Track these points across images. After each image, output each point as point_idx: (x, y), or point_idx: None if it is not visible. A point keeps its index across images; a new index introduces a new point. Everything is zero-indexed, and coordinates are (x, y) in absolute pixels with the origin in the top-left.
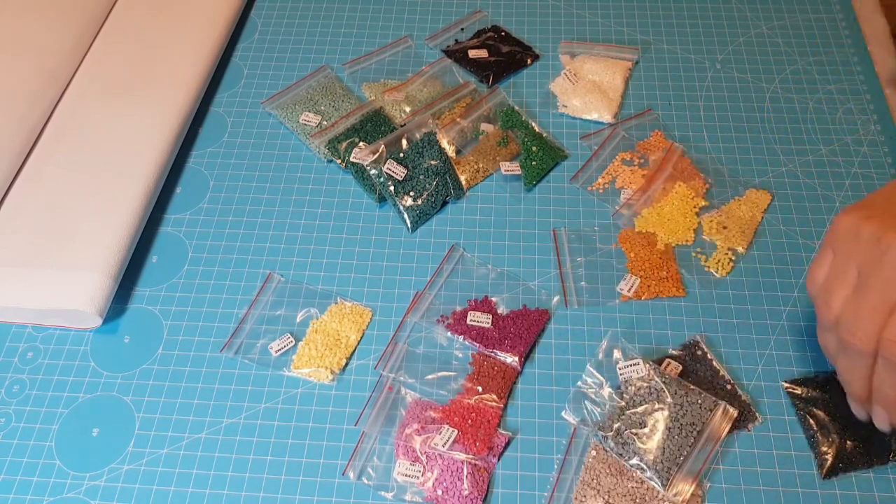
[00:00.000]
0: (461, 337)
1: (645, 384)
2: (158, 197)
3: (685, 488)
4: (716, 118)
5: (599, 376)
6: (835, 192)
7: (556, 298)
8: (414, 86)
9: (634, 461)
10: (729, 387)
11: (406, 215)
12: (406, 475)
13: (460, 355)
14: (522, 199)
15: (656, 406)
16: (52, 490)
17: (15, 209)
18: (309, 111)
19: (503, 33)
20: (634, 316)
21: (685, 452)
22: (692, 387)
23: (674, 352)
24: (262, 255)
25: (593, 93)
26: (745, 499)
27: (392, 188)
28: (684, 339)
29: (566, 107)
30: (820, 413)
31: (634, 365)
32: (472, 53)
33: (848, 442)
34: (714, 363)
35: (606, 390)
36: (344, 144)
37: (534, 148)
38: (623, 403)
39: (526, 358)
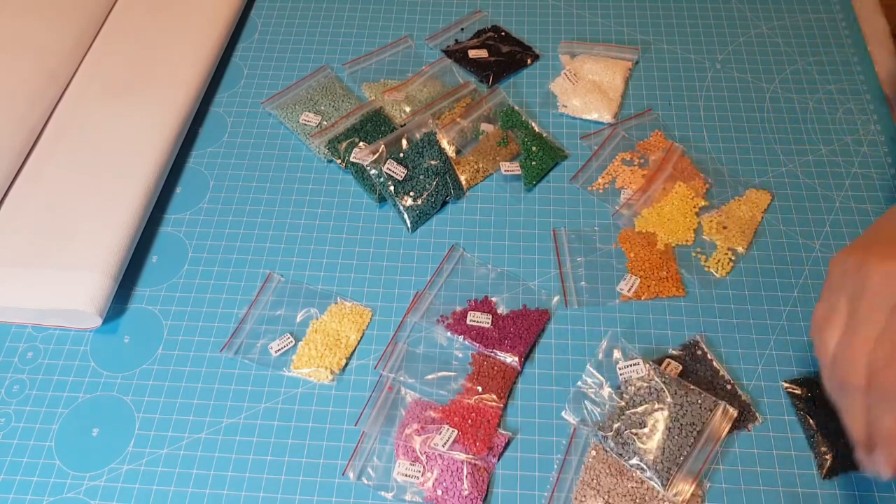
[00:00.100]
0: (461, 337)
1: (645, 384)
2: (158, 197)
3: (685, 488)
4: (716, 118)
5: (599, 376)
6: (835, 192)
7: (556, 298)
8: (414, 86)
9: (634, 461)
10: (729, 387)
11: (406, 215)
12: (406, 475)
13: (460, 355)
14: (522, 199)
15: (656, 406)
16: (52, 490)
17: (15, 209)
18: (309, 111)
19: (503, 33)
20: (634, 316)
21: (685, 452)
22: (692, 387)
23: (674, 352)
24: (262, 255)
25: (593, 93)
26: (745, 499)
27: (392, 188)
28: (684, 339)
29: (566, 107)
30: (820, 413)
31: (634, 365)
32: (472, 53)
33: (848, 442)
34: (714, 363)
35: (606, 390)
36: (344, 144)
37: (534, 148)
38: (623, 403)
39: (526, 358)
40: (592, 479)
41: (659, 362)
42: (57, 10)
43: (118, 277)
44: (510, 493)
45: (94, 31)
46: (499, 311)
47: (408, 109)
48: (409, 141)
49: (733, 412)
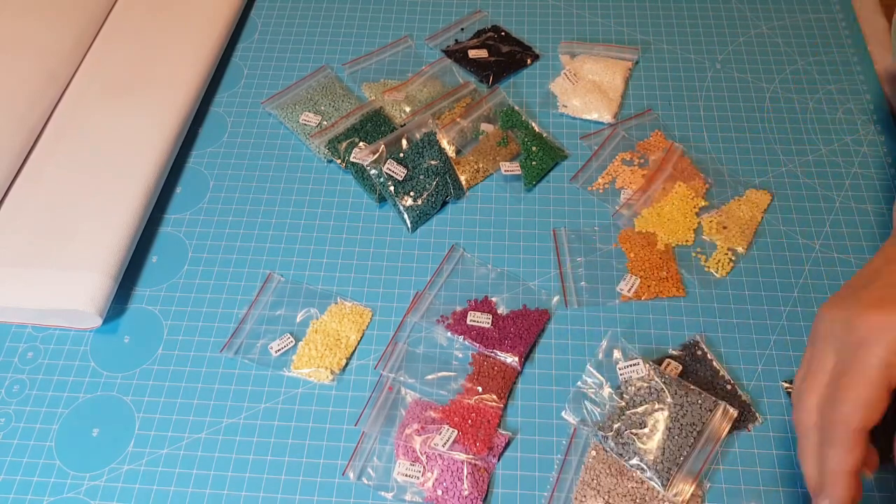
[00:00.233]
0: (461, 337)
1: (645, 384)
2: (158, 197)
3: (685, 488)
4: (716, 118)
5: (599, 376)
6: (835, 192)
7: (556, 298)
8: (414, 86)
9: (634, 461)
10: (729, 387)
11: (406, 215)
12: (406, 475)
13: (460, 355)
14: (522, 199)
15: (656, 406)
16: (52, 490)
17: (15, 209)
18: (309, 111)
19: (503, 33)
20: (634, 316)
21: (685, 452)
22: (692, 387)
23: (674, 352)
24: (262, 255)
25: (593, 93)
26: (745, 499)
27: (392, 188)
28: (684, 339)
29: (566, 107)
30: None
31: (634, 365)
32: (472, 53)
33: None
34: (714, 363)
35: (606, 390)
36: (344, 144)
37: (534, 148)
38: (623, 403)
39: (526, 358)
40: (592, 480)
41: (659, 362)
42: (57, 10)
43: (118, 277)
44: (510, 493)
45: (94, 31)
46: (499, 311)
47: (408, 109)
48: (409, 141)
49: (733, 412)
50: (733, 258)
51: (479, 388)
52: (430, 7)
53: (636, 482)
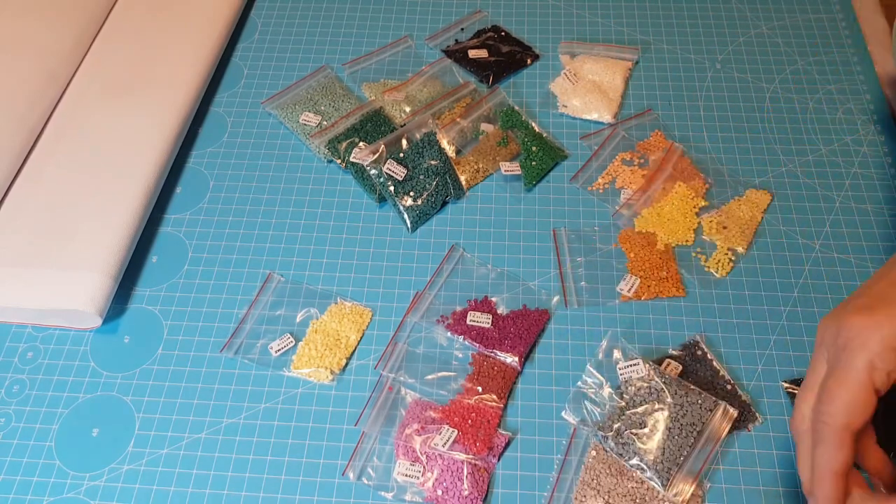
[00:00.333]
0: (461, 337)
1: (645, 384)
2: (158, 197)
3: (685, 488)
4: (716, 118)
5: (599, 376)
6: (835, 192)
7: (556, 298)
8: (414, 86)
9: (634, 461)
10: (729, 387)
11: (406, 215)
12: (406, 475)
13: (460, 355)
14: (522, 199)
15: (656, 406)
16: (52, 490)
17: (15, 209)
18: (309, 111)
19: (503, 33)
20: (634, 316)
21: (685, 452)
22: (692, 387)
23: (674, 352)
24: (262, 255)
25: (593, 93)
26: (745, 499)
27: (392, 188)
28: (684, 339)
29: (566, 107)
30: None
31: (634, 365)
32: (472, 53)
33: None
34: (714, 363)
35: (606, 390)
36: (344, 144)
37: (534, 148)
38: (623, 403)
39: (526, 358)
40: (592, 480)
41: (659, 362)
42: (57, 10)
43: (118, 277)
44: (510, 493)
45: (94, 31)
46: (499, 311)
47: (408, 109)
48: (409, 141)
49: (733, 412)
50: (733, 258)
51: (479, 388)
52: (430, 7)
53: (636, 482)
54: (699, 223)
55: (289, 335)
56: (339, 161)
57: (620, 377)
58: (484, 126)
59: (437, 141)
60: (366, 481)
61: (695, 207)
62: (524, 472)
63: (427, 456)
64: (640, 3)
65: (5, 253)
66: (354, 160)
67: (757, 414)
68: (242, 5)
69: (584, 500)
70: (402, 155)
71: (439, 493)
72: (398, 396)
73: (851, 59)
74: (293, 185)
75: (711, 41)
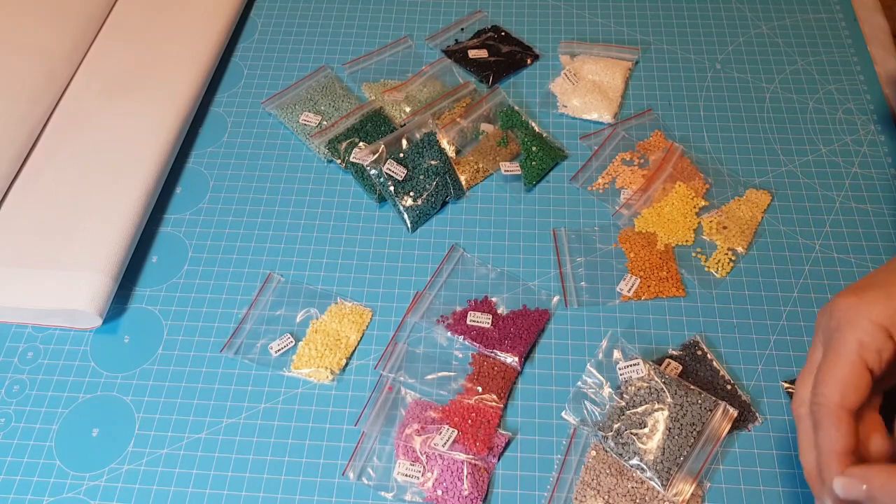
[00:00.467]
0: (461, 337)
1: (645, 384)
2: (158, 197)
3: (685, 488)
4: (716, 118)
5: (599, 376)
6: (835, 192)
7: (556, 298)
8: (414, 86)
9: (634, 461)
10: (729, 387)
11: (406, 215)
12: (406, 475)
13: (460, 355)
14: (522, 199)
15: (656, 406)
16: (52, 490)
17: (15, 209)
18: (309, 111)
19: (503, 33)
20: (634, 316)
21: (685, 452)
22: (692, 387)
23: (674, 352)
24: (262, 255)
25: (593, 93)
26: (745, 499)
27: (392, 188)
28: (684, 339)
29: (566, 107)
30: None
31: (634, 365)
32: (472, 53)
33: None
34: (714, 363)
35: (606, 390)
36: (344, 144)
37: (534, 148)
38: (623, 403)
39: (526, 358)
40: (592, 479)
41: (659, 362)
42: (57, 10)
43: (118, 277)
44: (510, 493)
45: (94, 31)
46: (499, 311)
47: (408, 109)
48: (409, 141)
49: (733, 412)
50: (733, 258)
51: (479, 388)
52: (430, 7)
53: (636, 482)
54: (699, 223)
55: (289, 335)
56: (339, 161)
57: (620, 377)
58: (484, 126)
59: (437, 141)
60: (366, 481)
61: (695, 207)
62: (524, 472)
63: (427, 456)
64: (640, 3)
65: (5, 253)
66: (354, 160)
67: (757, 414)
68: (242, 5)
69: (584, 500)
70: (402, 155)
71: (439, 493)
72: (398, 396)
73: (851, 59)
74: (293, 185)
75: (711, 41)
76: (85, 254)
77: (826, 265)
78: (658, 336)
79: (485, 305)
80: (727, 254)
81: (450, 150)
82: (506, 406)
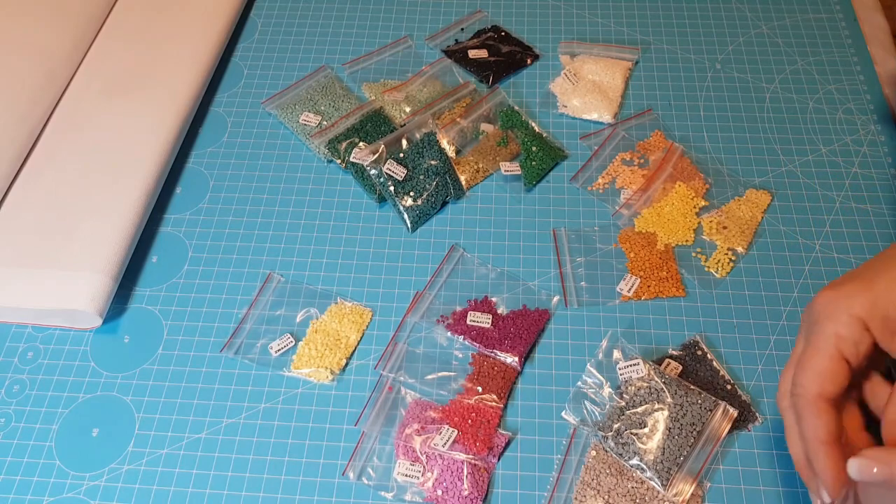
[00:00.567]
0: (461, 337)
1: (645, 384)
2: (158, 197)
3: (685, 488)
4: (716, 118)
5: (599, 376)
6: (835, 192)
7: (556, 298)
8: (414, 86)
9: (634, 461)
10: (729, 387)
11: (406, 215)
12: (406, 475)
13: (460, 355)
14: (522, 199)
15: (656, 406)
16: (52, 490)
17: (15, 209)
18: (309, 111)
19: (503, 33)
20: (634, 316)
21: (685, 452)
22: (692, 387)
23: (674, 352)
24: (262, 255)
25: (593, 93)
26: (745, 499)
27: (392, 188)
28: (684, 339)
29: (566, 107)
30: None
31: (634, 365)
32: (472, 53)
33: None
34: (714, 363)
35: (606, 390)
36: (344, 144)
37: (534, 148)
38: (623, 403)
39: (526, 358)
40: (592, 479)
41: (659, 362)
42: (57, 10)
43: (118, 277)
44: (510, 493)
45: (94, 31)
46: (499, 311)
47: (408, 109)
48: (409, 141)
49: (733, 412)
50: (733, 258)
51: (479, 388)
52: (430, 7)
53: (636, 482)
54: (699, 223)
55: (289, 335)
56: (339, 161)
57: (620, 377)
58: (484, 126)
59: (437, 141)
60: (366, 481)
61: (695, 207)
62: (524, 472)
63: (427, 456)
64: (640, 3)
65: (5, 253)
66: (354, 160)
67: (757, 414)
68: (242, 5)
69: (584, 500)
70: (402, 155)
71: (439, 493)
72: (398, 396)
73: (851, 59)
74: (293, 185)
75: (711, 41)
76: (85, 254)
77: (826, 265)
78: (658, 336)
79: (485, 305)
80: (727, 254)
81: (450, 150)
82: (506, 406)
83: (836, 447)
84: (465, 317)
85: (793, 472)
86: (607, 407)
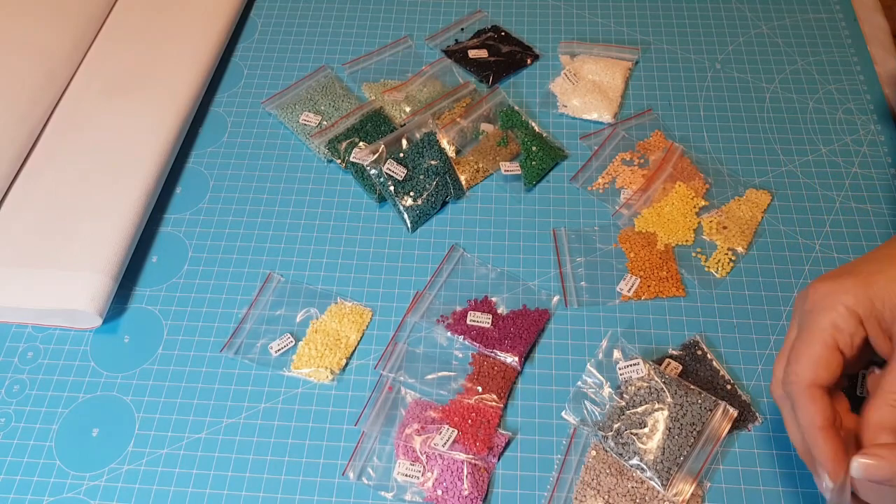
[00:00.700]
0: (461, 337)
1: (645, 384)
2: (158, 197)
3: (685, 488)
4: (716, 118)
5: (599, 376)
6: (835, 192)
7: (556, 298)
8: (414, 86)
9: (634, 461)
10: (729, 387)
11: (406, 215)
12: (406, 475)
13: (460, 355)
14: (522, 199)
15: (656, 406)
16: (52, 490)
17: (15, 209)
18: (309, 111)
19: (503, 33)
20: (634, 316)
21: (685, 452)
22: (692, 387)
23: (674, 352)
24: (262, 255)
25: (593, 93)
26: (745, 499)
27: (392, 188)
28: (684, 339)
29: (566, 107)
30: None
31: (634, 365)
32: (472, 53)
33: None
34: (714, 363)
35: (606, 390)
36: (344, 144)
37: (534, 148)
38: (623, 403)
39: (526, 358)
40: (592, 479)
41: (659, 362)
42: (57, 10)
43: (118, 277)
44: (510, 493)
45: (94, 31)
46: (499, 311)
47: (408, 109)
48: (409, 141)
49: (733, 412)
50: (733, 258)
51: (479, 388)
52: (430, 7)
53: (636, 482)
54: (699, 223)
55: (289, 335)
56: (339, 161)
57: (620, 377)
58: (484, 126)
59: (437, 141)
60: (366, 481)
61: (695, 207)
62: (524, 472)
63: (427, 456)
64: (640, 3)
65: (5, 253)
66: (354, 160)
67: (757, 414)
68: (242, 5)
69: (584, 499)
70: (402, 155)
71: (439, 492)
72: (398, 396)
73: (851, 59)
74: (293, 185)
75: (711, 41)
76: (85, 254)
77: (826, 265)
78: (658, 336)
79: (485, 305)
80: (727, 254)
81: (450, 150)
82: (506, 406)
83: (833, 432)
84: (465, 317)
85: (793, 472)
86: (607, 407)
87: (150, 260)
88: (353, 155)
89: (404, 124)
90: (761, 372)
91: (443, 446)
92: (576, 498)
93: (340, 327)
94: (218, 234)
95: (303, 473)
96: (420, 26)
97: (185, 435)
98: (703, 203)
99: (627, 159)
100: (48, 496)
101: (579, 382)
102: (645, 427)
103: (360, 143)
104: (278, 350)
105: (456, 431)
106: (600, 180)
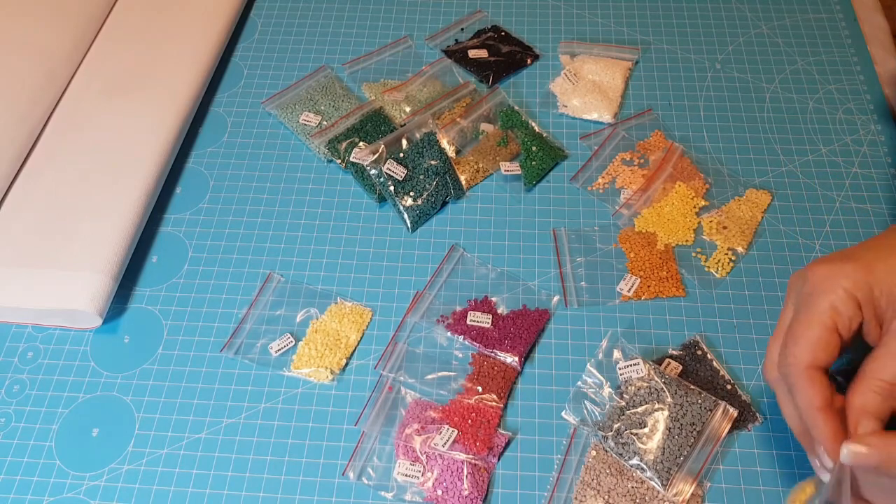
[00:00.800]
0: (461, 337)
1: (645, 384)
2: (158, 197)
3: (685, 488)
4: (716, 118)
5: (599, 376)
6: (835, 192)
7: (556, 298)
8: (414, 86)
9: (634, 461)
10: (729, 387)
11: (406, 215)
12: (406, 475)
13: (460, 355)
14: (522, 199)
15: (656, 406)
16: (52, 490)
17: (15, 209)
18: (309, 111)
19: (503, 33)
20: (634, 316)
21: (685, 452)
22: (692, 387)
23: (674, 352)
24: (262, 255)
25: (593, 93)
26: (745, 499)
27: (392, 188)
28: (684, 339)
29: (566, 107)
30: None
31: (634, 365)
32: (472, 53)
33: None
34: (714, 363)
35: (606, 390)
36: (344, 144)
37: (534, 148)
38: (623, 403)
39: (526, 358)
40: (592, 479)
41: (659, 362)
42: (57, 10)
43: (118, 277)
44: (510, 493)
45: (94, 31)
46: (499, 311)
47: (408, 109)
48: (409, 141)
49: (733, 412)
50: (733, 258)
51: (479, 388)
52: (430, 7)
53: (636, 482)
54: (699, 223)
55: (289, 335)
56: (339, 161)
57: (620, 377)
58: (484, 126)
59: (437, 141)
60: (366, 481)
61: (695, 207)
62: (524, 472)
63: (427, 456)
64: (640, 3)
65: (5, 253)
66: (354, 160)
67: (757, 414)
68: (242, 5)
69: (584, 499)
70: (402, 155)
71: (439, 492)
72: (398, 396)
73: (851, 59)
74: (293, 185)
75: (711, 41)
76: (85, 254)
77: None
78: (658, 336)
79: (485, 305)
80: (727, 254)
81: (450, 150)
82: (506, 406)
83: (832, 412)
84: (465, 317)
85: (793, 471)
86: (607, 407)
87: (150, 260)
88: (353, 155)
89: (404, 124)
90: (761, 372)
91: (443, 446)
92: (576, 498)
93: (340, 327)
94: (218, 234)
95: (303, 473)
96: (420, 26)
97: (185, 435)
98: (703, 203)
99: (627, 159)
100: (48, 496)
101: (579, 382)
102: (645, 427)
103: (360, 143)
104: (278, 350)
105: (456, 431)
106: (600, 180)
